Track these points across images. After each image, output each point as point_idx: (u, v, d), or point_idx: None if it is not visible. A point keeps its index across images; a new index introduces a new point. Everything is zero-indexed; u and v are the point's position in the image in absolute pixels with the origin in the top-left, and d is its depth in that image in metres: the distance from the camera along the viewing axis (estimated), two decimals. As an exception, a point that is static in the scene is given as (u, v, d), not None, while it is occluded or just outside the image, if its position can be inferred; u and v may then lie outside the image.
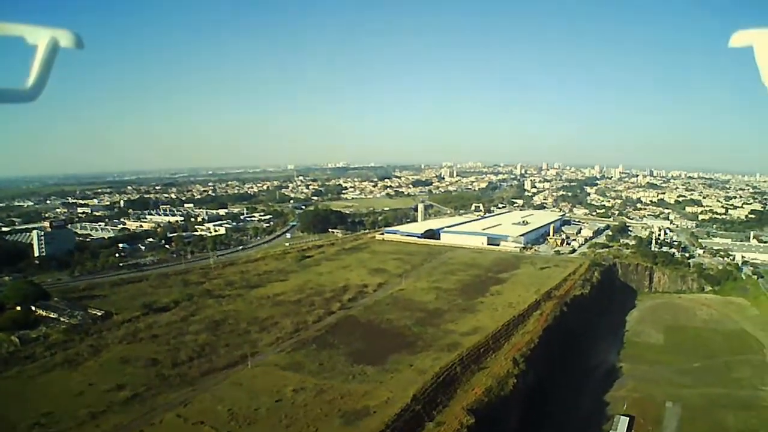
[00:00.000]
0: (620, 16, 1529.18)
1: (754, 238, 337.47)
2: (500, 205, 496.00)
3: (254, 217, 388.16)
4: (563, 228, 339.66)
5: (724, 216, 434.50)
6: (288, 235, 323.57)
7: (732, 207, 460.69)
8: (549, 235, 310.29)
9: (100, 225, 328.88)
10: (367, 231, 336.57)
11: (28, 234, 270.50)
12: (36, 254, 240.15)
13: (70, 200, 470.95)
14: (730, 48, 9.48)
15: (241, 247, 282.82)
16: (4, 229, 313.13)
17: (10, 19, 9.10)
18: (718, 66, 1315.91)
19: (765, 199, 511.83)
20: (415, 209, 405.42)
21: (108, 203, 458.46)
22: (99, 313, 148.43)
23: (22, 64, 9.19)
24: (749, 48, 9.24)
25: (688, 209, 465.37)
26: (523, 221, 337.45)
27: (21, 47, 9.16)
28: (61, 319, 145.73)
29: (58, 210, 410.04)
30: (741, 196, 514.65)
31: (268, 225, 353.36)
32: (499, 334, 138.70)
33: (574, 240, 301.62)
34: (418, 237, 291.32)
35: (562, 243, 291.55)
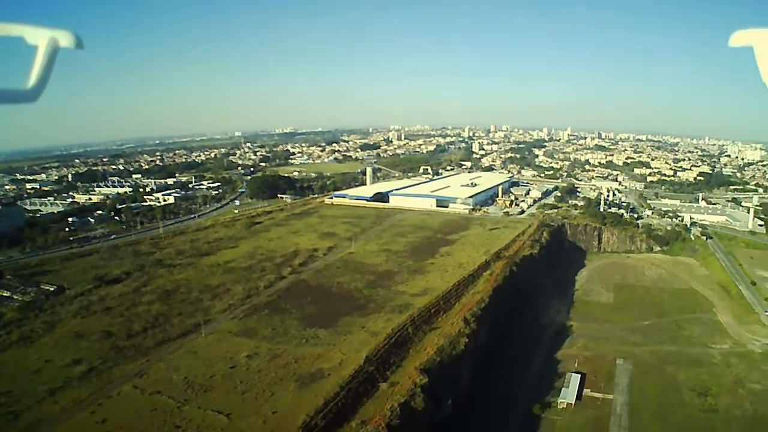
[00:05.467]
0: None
1: (702, 199, 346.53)
2: (449, 168, 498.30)
3: (203, 185, 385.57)
4: (512, 189, 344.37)
5: (672, 178, 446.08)
6: (237, 202, 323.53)
7: (680, 169, 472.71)
8: (498, 196, 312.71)
9: (49, 200, 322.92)
10: (315, 196, 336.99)
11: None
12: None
13: (18, 176, 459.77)
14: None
15: (190, 216, 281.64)
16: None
17: (10, 19, 9.31)
18: (670, 30, 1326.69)
19: (713, 161, 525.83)
20: (364, 173, 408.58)
21: (56, 177, 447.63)
22: (51, 289, 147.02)
23: (22, 65, 9.64)
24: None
25: (637, 171, 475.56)
26: (472, 183, 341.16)
27: (21, 47, 9.46)
28: (15, 296, 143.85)
29: (6, 187, 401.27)
30: (689, 159, 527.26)
31: (216, 193, 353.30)
32: (450, 295, 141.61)
33: (523, 201, 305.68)
34: (367, 200, 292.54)
35: (510, 204, 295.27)
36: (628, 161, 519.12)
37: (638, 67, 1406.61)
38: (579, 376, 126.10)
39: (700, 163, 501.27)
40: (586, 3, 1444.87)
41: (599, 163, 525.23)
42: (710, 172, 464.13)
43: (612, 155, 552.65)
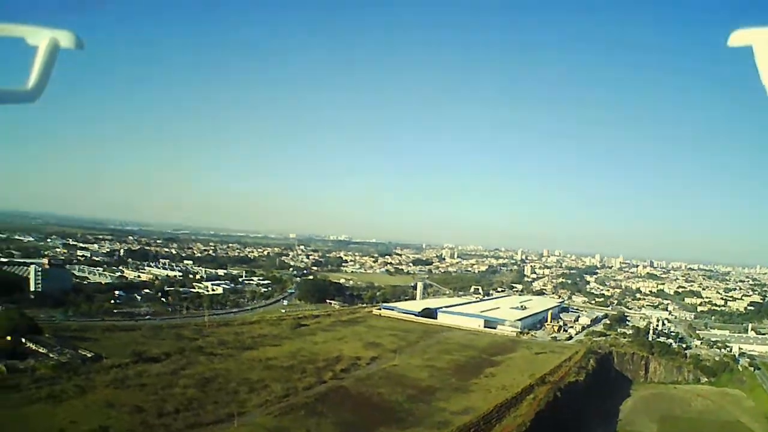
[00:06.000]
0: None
1: (752, 330, 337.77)
2: (499, 289, 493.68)
3: (252, 280, 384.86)
4: (561, 315, 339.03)
5: (722, 308, 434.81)
6: (285, 302, 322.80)
7: (731, 299, 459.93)
8: (546, 320, 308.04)
9: (98, 270, 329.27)
10: (364, 305, 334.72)
11: (26, 268, 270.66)
12: (32, 289, 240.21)
13: (71, 242, 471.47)
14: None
15: (237, 309, 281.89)
16: (2, 259, 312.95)
17: (11, 19, 9.09)
18: (715, 159, 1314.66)
19: (764, 291, 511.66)
20: (414, 287, 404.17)
21: (108, 250, 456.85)
22: (89, 355, 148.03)
23: (22, 65, 9.09)
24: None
25: (687, 300, 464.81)
26: (522, 306, 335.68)
27: (21, 48, 9.19)
28: (51, 355, 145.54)
29: (58, 249, 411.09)
30: (740, 288, 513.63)
31: (266, 290, 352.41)
32: (491, 416, 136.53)
33: (572, 327, 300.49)
34: (415, 315, 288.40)
35: (559, 329, 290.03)
36: (679, 290, 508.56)
37: (689, 195, 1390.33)
38: None
39: (750, 293, 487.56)
40: (635, 130, 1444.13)
41: (650, 291, 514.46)
42: (761, 301, 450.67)
43: (663, 284, 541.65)
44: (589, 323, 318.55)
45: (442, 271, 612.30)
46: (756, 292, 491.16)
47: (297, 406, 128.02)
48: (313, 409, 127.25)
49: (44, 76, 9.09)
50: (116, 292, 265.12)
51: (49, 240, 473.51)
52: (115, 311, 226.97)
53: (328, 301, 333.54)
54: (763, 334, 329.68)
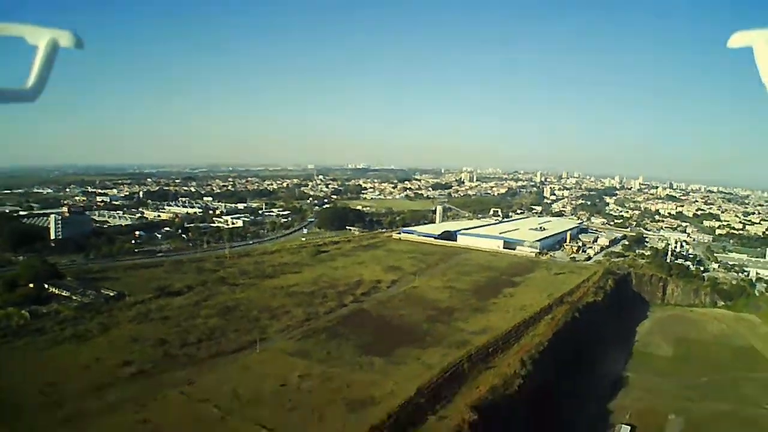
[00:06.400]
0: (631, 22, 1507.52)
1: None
2: (518, 211, 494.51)
3: (272, 212, 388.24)
4: (580, 236, 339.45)
5: (741, 231, 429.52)
6: (305, 231, 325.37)
7: (750, 223, 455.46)
8: (565, 241, 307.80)
9: (118, 213, 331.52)
10: (384, 230, 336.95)
11: (45, 218, 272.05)
12: (53, 237, 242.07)
13: (90, 189, 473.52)
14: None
15: (257, 240, 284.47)
16: (21, 213, 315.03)
17: (11, 19, 9.08)
18: (743, 81, 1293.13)
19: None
20: (434, 211, 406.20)
21: (127, 193, 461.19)
22: (111, 294, 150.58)
23: (22, 65, 9.18)
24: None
25: (706, 223, 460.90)
26: (541, 227, 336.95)
27: (21, 47, 9.22)
28: (73, 297, 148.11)
29: (77, 198, 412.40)
30: (759, 213, 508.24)
31: (285, 220, 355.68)
32: (509, 335, 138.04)
33: (590, 248, 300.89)
34: (435, 238, 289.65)
35: (578, 250, 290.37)
36: (698, 213, 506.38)
37: (709, 117, 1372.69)
38: (629, 428, 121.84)
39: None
40: (654, 53, 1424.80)
41: (669, 213, 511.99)
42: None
43: (682, 206, 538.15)
44: (607, 244, 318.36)
45: (462, 194, 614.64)
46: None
47: (318, 330, 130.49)
48: (335, 332, 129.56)
49: (44, 76, 9.19)
50: (137, 233, 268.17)
51: (67, 189, 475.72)
52: (136, 251, 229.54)
53: (348, 227, 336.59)
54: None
